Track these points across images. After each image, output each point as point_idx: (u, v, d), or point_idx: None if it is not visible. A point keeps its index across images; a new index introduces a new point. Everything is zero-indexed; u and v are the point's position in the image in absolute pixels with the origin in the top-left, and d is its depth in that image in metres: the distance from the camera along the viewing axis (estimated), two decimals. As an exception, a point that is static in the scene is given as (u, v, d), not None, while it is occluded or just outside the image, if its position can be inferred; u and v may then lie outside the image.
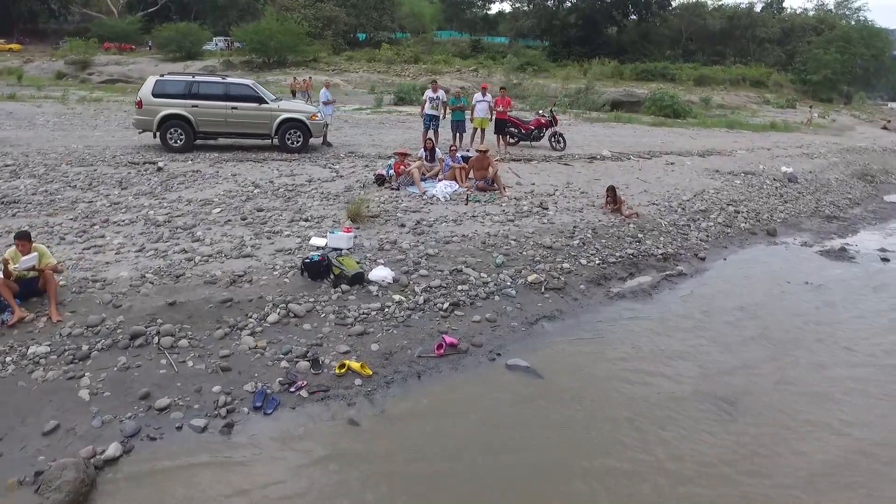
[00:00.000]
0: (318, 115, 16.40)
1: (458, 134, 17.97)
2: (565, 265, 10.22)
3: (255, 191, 12.67)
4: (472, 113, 17.89)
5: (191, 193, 12.38)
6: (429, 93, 17.61)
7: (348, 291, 8.49)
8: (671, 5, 72.43)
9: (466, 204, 12.62)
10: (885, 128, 42.02)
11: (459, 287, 8.97)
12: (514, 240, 10.89)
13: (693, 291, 10.16)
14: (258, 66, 52.18)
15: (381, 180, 13.51)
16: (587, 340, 8.25)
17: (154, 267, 8.70)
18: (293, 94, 33.10)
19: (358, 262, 9.14)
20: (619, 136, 24.27)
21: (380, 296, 8.49)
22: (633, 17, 74.18)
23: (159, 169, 13.94)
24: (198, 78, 15.92)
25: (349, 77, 48.04)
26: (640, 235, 12.08)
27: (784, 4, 79.66)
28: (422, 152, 14.58)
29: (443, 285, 8.94)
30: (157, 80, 15.69)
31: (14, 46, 59.26)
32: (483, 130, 18.16)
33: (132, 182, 13.01)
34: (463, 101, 17.81)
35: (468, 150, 16.72)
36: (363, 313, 8.04)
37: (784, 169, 19.17)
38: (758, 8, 77.05)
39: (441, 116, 17.78)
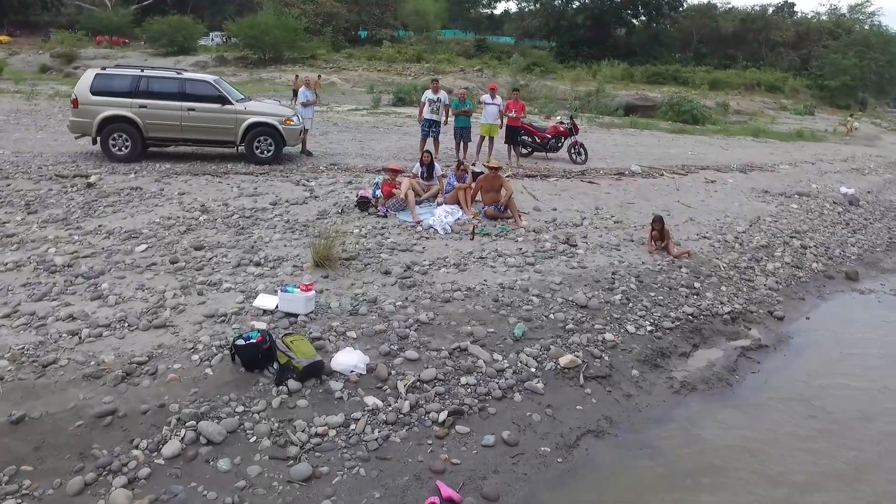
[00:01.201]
0: (295, 118, 13.49)
1: (461, 143, 15.10)
2: (608, 336, 7.34)
3: (202, 217, 9.79)
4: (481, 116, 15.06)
5: (117, 221, 9.49)
6: (428, 94, 14.73)
7: (298, 392, 5.60)
8: (682, 7, 69.45)
9: (472, 239, 9.74)
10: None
11: (463, 380, 6.08)
12: (537, 295, 8.02)
13: (785, 377, 7.29)
14: (253, 62, 49.30)
15: (364, 204, 10.62)
16: (663, 484, 5.35)
17: (15, 347, 5.83)
18: (294, 93, 30.19)
19: (317, 339, 6.29)
20: (642, 145, 21.36)
21: (345, 398, 5.60)
22: (643, 18, 71.29)
23: (90, 185, 11.05)
24: (147, 72, 12.99)
25: (348, 75, 45.17)
26: (696, 284, 9.20)
27: (795, 9, 76.82)
28: (417, 167, 11.69)
29: (439, 377, 6.06)
30: (97, 74, 12.80)
31: (2, 38, 56.37)
32: (492, 139, 15.29)
33: (47, 203, 10.11)
34: (468, 105, 14.93)
35: (475, 164, 13.83)
36: (316, 435, 5.15)
37: (844, 190, 16.26)
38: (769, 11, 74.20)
39: (442, 122, 14.90)
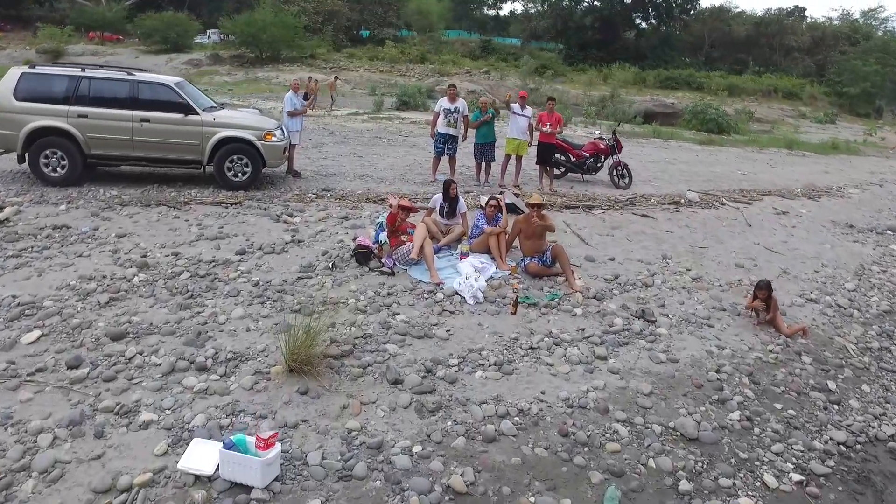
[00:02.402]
0: (278, 133, 10.64)
1: (483, 163, 12.27)
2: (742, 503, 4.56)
3: (138, 278, 6.94)
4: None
5: (13, 283, 6.66)
6: (443, 103, 11.91)
7: None
8: (695, 9, 66.59)
9: (514, 313, 6.92)
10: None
11: None
12: (623, 420, 5.28)
13: None
14: (249, 61, 46.40)
15: (364, 255, 7.77)
16: None
17: None
18: (307, 97, 27.38)
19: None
20: (681, 161, 18.51)
21: None
22: (653, 21, 68.43)
23: (0, 222, 8.23)
24: (90, 72, 10.08)
25: (348, 76, 42.23)
26: (829, 384, 6.40)
27: (805, 13, 73.94)
28: (436, 200, 8.87)
29: None
30: (23, 74, 9.90)
31: (-9, 33, 53.53)
32: (519, 159, 12.46)
33: (-76, 253, 7.29)
34: (490, 113, 12.07)
35: (503, 191, 11.03)
36: None
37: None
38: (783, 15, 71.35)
39: (461, 137, 12.10)
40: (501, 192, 10.96)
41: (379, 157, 14.53)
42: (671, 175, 15.69)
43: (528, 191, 12.21)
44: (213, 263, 7.42)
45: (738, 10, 71.85)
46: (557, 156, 12.99)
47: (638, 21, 68.34)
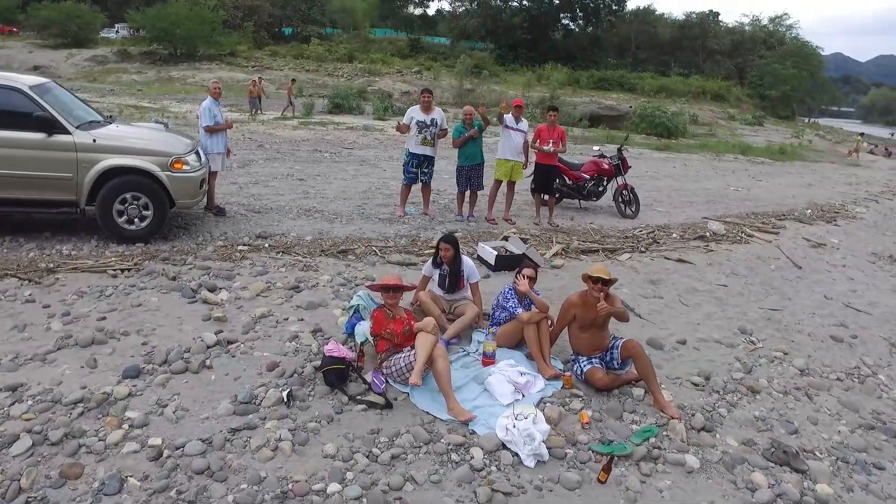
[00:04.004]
0: (192, 158, 7.36)
1: (469, 191, 9.35)
2: None
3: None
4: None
5: None
6: (415, 112, 8.93)
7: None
8: (622, 10, 65.56)
9: (605, 480, 4.03)
10: (855, 151, 35.50)
11: None
12: None
13: None
14: (163, 58, 41.68)
15: (339, 376, 4.67)
16: None
17: None
18: (257, 102, 23.60)
19: None
20: (665, 174, 16.19)
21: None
22: (581, 21, 67.04)
23: None
24: None
25: (272, 76, 38.35)
26: None
27: (720, 18, 74.18)
28: (429, 269, 5.89)
29: None
30: None
31: None
32: (512, 185, 9.62)
33: None
34: (477, 126, 9.14)
35: (508, 237, 8.18)
36: None
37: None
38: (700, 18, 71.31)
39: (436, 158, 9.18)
40: (507, 239, 8.08)
41: (325, 180, 11.35)
42: (668, 195, 13.22)
43: (523, 226, 9.38)
44: (81, 407, 4.19)
45: (661, 13, 71.20)
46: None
47: (566, 22, 66.83)
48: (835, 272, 9.34)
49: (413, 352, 4.65)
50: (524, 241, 8.11)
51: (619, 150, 11.17)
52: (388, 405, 4.48)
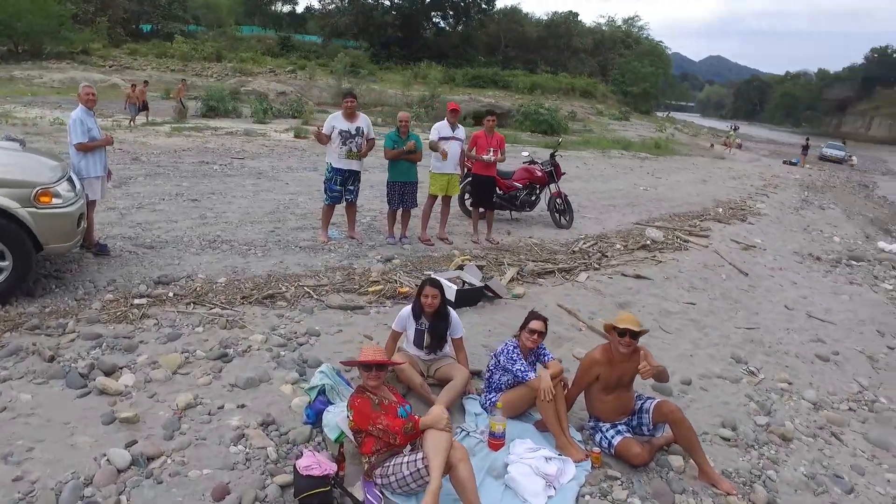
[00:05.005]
0: (64, 188, 5.56)
1: (401, 208, 8.06)
2: None
3: None
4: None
5: None
6: (337, 120, 7.52)
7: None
8: (491, 9, 65.98)
9: None
10: (729, 145, 37.85)
11: None
12: None
13: None
14: (2, 55, 36.58)
15: (322, 501, 3.32)
16: None
17: None
18: (142, 107, 20.17)
19: None
20: (573, 175, 15.58)
21: None
22: (451, 20, 66.79)
23: None
24: None
25: (133, 76, 34.67)
26: None
27: (579, 19, 76.74)
28: (406, 317, 4.61)
29: None
30: None
31: None
32: (447, 201, 8.45)
33: None
34: (413, 139, 7.88)
35: (464, 265, 6.99)
36: None
37: (882, 245, 11.72)
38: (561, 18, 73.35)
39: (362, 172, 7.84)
40: (462, 268, 6.89)
41: (222, 200, 9.61)
42: (587, 198, 12.59)
43: (461, 244, 8.26)
44: None
45: (527, 13, 72.51)
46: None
47: (437, 20, 66.36)
48: (777, 277, 8.97)
49: (418, 456, 3.38)
50: (480, 268, 6.97)
51: (552, 155, 10.29)
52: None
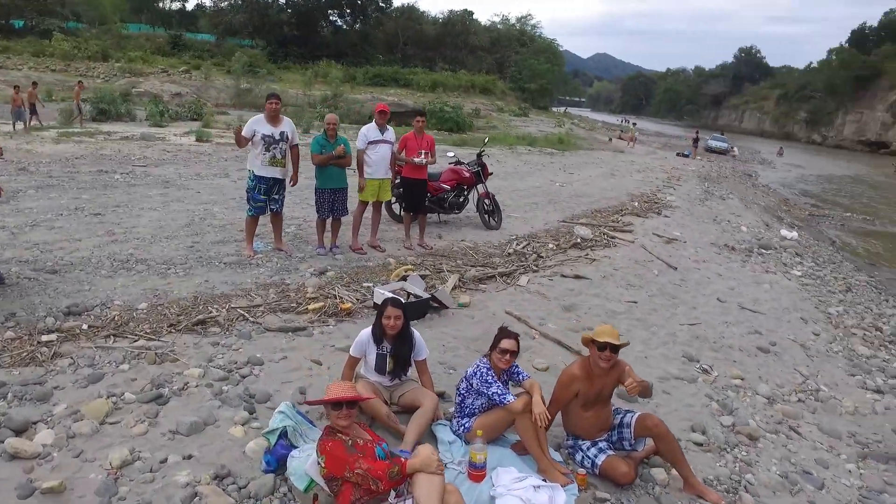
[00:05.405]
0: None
1: (332, 217, 7.56)
2: None
3: None
4: (359, 170, 7.64)
5: None
6: (258, 123, 6.92)
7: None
8: (389, 7, 65.41)
9: None
10: (631, 139, 39.50)
11: None
12: None
13: None
14: None
15: None
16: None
17: None
18: (21, 113, 17.74)
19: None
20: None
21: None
22: (349, 18, 65.70)
23: None
24: None
25: (7, 76, 31.67)
26: None
27: (474, 17, 77.56)
28: (365, 340, 4.18)
29: None
30: None
31: None
32: (379, 207, 8.02)
33: None
34: (342, 142, 7.38)
35: (407, 275, 6.58)
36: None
37: (784, 233, 12.31)
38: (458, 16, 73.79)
39: (289, 180, 7.28)
40: (407, 276, 6.49)
41: (129, 213, 8.71)
42: (509, 196, 12.50)
43: (395, 252, 7.89)
44: None
45: (425, 11, 72.60)
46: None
47: (334, 18, 65.11)
48: (703, 269, 9.16)
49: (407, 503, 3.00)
50: (423, 277, 6.60)
51: (479, 155, 10.06)
52: None
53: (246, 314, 5.53)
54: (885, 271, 12.45)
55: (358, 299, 6.11)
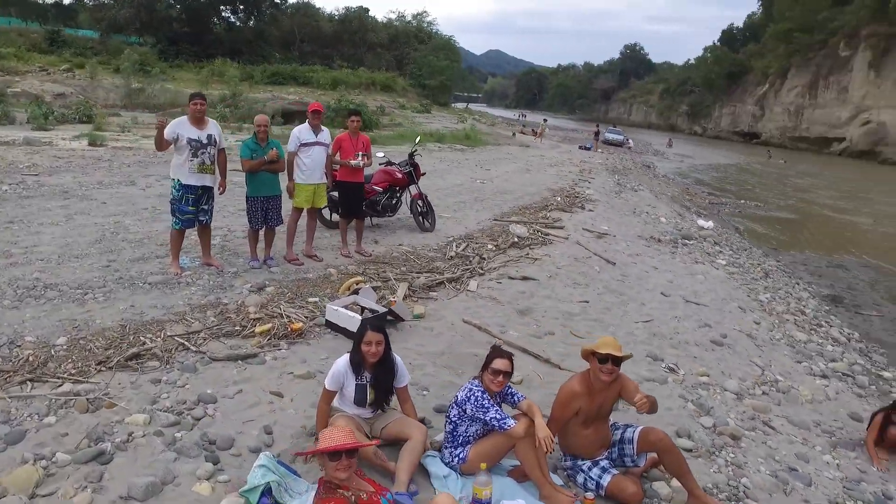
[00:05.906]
0: None
1: (265, 227, 6.92)
2: None
3: None
4: (288, 174, 7.02)
5: None
6: (181, 126, 6.20)
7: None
8: (284, 4, 63.28)
9: None
10: (533, 134, 40.28)
11: None
12: None
13: None
14: None
15: None
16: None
17: None
18: None
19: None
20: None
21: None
22: (242, 14, 62.98)
23: None
24: None
25: None
26: None
27: (369, 13, 76.44)
28: (341, 370, 3.69)
29: None
30: None
31: None
32: (313, 213, 7.44)
33: None
34: (274, 146, 6.73)
35: (360, 287, 6.06)
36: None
37: (701, 223, 12.68)
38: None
39: (217, 187, 6.59)
40: (358, 289, 5.99)
41: (27, 229, 7.64)
42: (435, 196, 12.05)
43: (333, 261, 7.38)
44: None
45: (320, 7, 70.96)
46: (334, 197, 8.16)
47: (227, 15, 62.22)
48: (639, 263, 9.20)
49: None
50: (375, 289, 6.13)
51: (411, 155, 9.61)
52: None
53: (185, 342, 4.88)
54: (785, 255, 13.12)
55: (307, 317, 5.56)
